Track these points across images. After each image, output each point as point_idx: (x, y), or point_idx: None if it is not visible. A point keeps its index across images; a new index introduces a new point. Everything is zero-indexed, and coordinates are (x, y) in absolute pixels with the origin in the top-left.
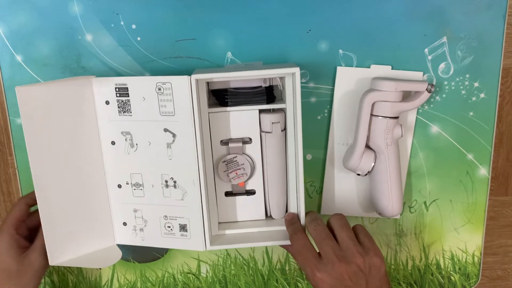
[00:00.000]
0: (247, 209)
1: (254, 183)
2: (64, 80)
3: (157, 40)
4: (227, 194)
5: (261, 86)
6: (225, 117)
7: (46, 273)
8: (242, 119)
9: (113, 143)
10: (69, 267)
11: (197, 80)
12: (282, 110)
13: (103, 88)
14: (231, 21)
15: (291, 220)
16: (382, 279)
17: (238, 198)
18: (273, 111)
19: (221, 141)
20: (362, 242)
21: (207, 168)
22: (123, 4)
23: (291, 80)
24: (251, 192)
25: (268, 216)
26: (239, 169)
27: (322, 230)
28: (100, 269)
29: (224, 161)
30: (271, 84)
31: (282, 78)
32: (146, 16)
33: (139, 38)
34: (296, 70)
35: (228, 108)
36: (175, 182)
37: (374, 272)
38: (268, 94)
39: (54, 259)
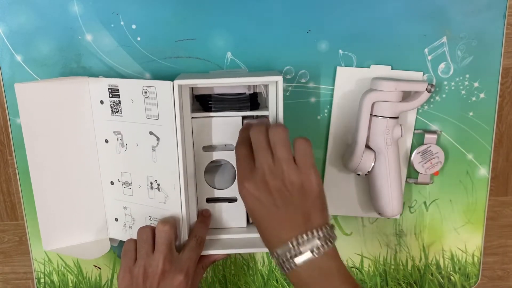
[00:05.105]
0: (228, 216)
1: (235, 190)
2: (62, 79)
3: (157, 40)
4: (209, 200)
5: (245, 93)
6: (208, 122)
7: (46, 272)
8: (225, 125)
9: (106, 141)
10: (69, 267)
11: (180, 86)
12: (266, 117)
13: (98, 88)
14: (231, 21)
15: (244, 126)
16: (314, 201)
17: (219, 205)
18: (257, 118)
19: (203, 147)
20: (298, 162)
21: (189, 173)
22: (123, 4)
23: (274, 88)
24: (232, 199)
25: (249, 223)
26: (433, 158)
27: (263, 140)
28: (100, 268)
29: (419, 152)
30: (256, 91)
31: (266, 86)
32: (146, 16)
33: (139, 38)
34: (279, 79)
35: (212, 114)
36: (158, 184)
37: (301, 193)
38: (252, 101)
39: (48, 245)
